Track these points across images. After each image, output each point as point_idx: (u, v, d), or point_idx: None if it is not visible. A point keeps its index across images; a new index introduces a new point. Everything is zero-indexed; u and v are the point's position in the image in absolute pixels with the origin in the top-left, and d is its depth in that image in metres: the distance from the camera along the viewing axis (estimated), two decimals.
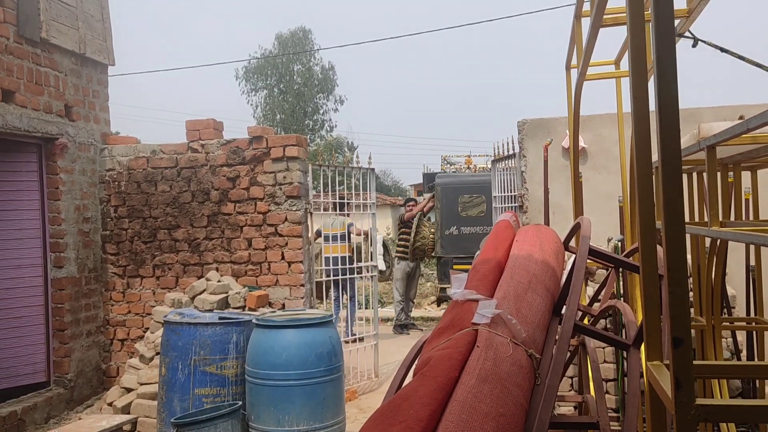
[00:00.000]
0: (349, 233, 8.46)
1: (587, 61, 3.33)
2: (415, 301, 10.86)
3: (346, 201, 7.56)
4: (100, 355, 7.23)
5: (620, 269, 3.93)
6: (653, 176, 1.49)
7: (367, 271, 7.74)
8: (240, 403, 4.90)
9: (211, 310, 6.33)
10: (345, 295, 8.44)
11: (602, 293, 3.99)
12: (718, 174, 2.76)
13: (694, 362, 1.40)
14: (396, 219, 11.18)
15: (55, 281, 6.66)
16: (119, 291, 7.30)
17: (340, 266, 7.65)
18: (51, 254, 6.68)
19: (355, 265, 7.63)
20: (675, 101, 1.21)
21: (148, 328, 7.06)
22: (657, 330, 1.53)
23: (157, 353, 6.18)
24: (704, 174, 3.63)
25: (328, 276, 7.62)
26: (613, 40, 4.57)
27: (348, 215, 8.56)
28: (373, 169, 7.78)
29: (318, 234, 8.49)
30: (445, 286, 11.13)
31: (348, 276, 7.65)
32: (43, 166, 6.68)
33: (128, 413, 5.93)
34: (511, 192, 7.37)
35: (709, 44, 3.06)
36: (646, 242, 1.51)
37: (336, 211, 7.63)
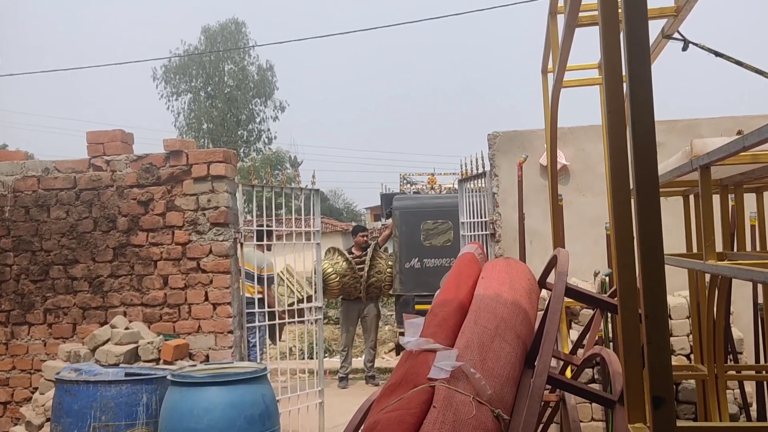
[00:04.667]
0: (269, 283, 8.22)
1: (564, 64, 3.41)
2: (376, 350, 10.79)
3: (266, 229, 7.26)
4: None
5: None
6: (631, 203, 1.53)
7: (310, 313, 7.69)
8: None
9: (116, 365, 6.19)
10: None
11: (587, 337, 4.04)
12: (717, 197, 2.85)
13: (690, 424, 1.42)
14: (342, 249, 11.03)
15: None
16: (1, 342, 7.08)
17: (257, 308, 7.38)
18: None
19: (260, 309, 7.41)
20: (649, 116, 1.25)
21: (36, 388, 6.86)
22: (639, 385, 1.56)
23: (48, 419, 6.00)
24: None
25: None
26: (596, 40, 4.70)
27: (269, 248, 8.32)
28: (317, 190, 7.77)
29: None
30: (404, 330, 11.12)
31: (258, 323, 7.40)
32: None
33: None
34: (481, 217, 7.44)
35: (701, 47, 3.17)
36: (624, 280, 1.54)
37: (256, 240, 7.36)
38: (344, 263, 9.85)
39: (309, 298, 8.33)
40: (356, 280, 9.90)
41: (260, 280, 7.82)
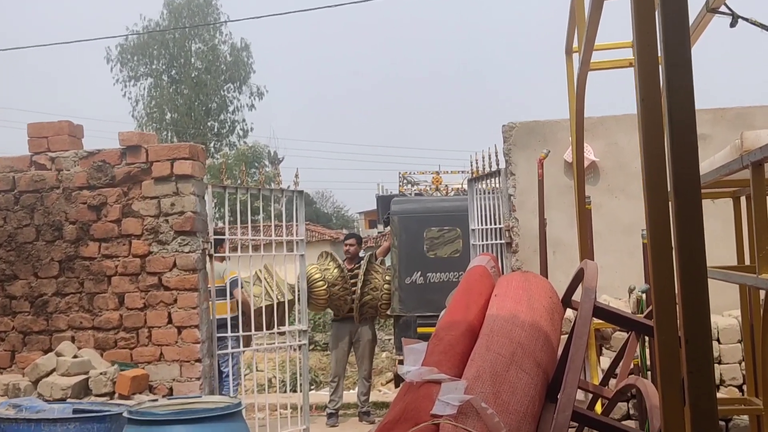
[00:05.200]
0: (231, 289, 8.20)
1: (591, 43, 3.42)
2: (371, 380, 10.76)
3: (210, 239, 7.15)
4: None
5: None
6: (669, 207, 1.53)
7: (292, 337, 7.69)
8: None
9: (63, 399, 6.17)
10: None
11: (620, 364, 4.04)
12: None
13: None
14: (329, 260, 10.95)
15: None
16: None
17: (229, 333, 7.35)
18: None
19: (239, 332, 7.38)
20: (689, 104, 1.26)
21: None
22: (679, 422, 1.56)
23: None
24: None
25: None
26: (629, 13, 4.71)
27: (224, 260, 8.26)
28: (301, 192, 7.78)
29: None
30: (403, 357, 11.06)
31: (230, 350, 7.37)
32: None
33: None
34: (495, 224, 7.45)
35: (754, 23, 3.18)
36: (661, 297, 1.55)
37: (228, 252, 7.33)
38: (336, 270, 9.70)
39: (290, 305, 8.24)
40: (347, 292, 9.75)
41: (223, 292, 7.84)
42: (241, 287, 7.94)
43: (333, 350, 10.19)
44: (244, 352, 7.67)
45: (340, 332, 10.08)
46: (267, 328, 7.97)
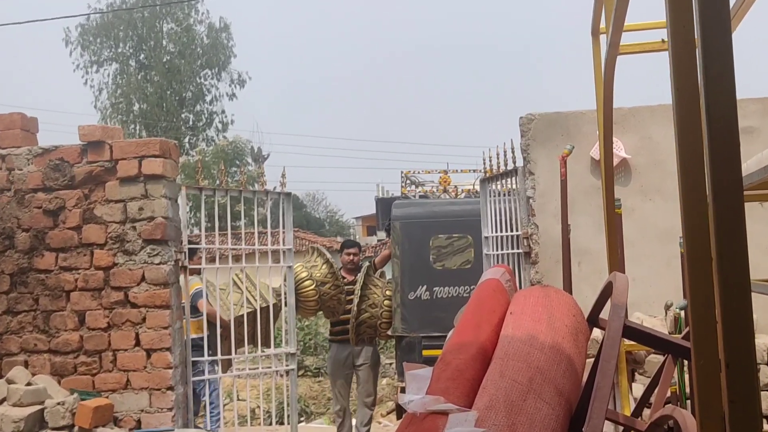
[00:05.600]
0: (193, 303, 8.19)
1: (620, 23, 3.43)
2: (374, 408, 10.74)
3: (184, 248, 7.12)
4: None
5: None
6: (708, 212, 1.53)
7: (279, 361, 7.68)
8: None
9: None
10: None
11: (655, 392, 4.04)
12: None
13: None
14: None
15: None
16: None
17: (206, 357, 7.35)
18: None
19: (210, 356, 7.39)
20: (729, 94, 1.26)
21: None
22: None
23: None
24: None
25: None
26: None
27: (199, 273, 8.25)
28: (289, 194, 7.79)
29: None
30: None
31: (207, 375, 7.39)
32: None
33: None
34: (511, 230, 7.45)
35: None
36: (698, 315, 1.55)
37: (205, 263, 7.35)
38: (324, 267, 9.55)
39: (277, 310, 8.20)
40: (339, 291, 9.64)
41: (194, 309, 7.83)
42: (205, 298, 7.95)
43: (332, 376, 10.15)
44: (220, 378, 7.65)
45: (340, 354, 10.05)
46: (251, 341, 7.97)
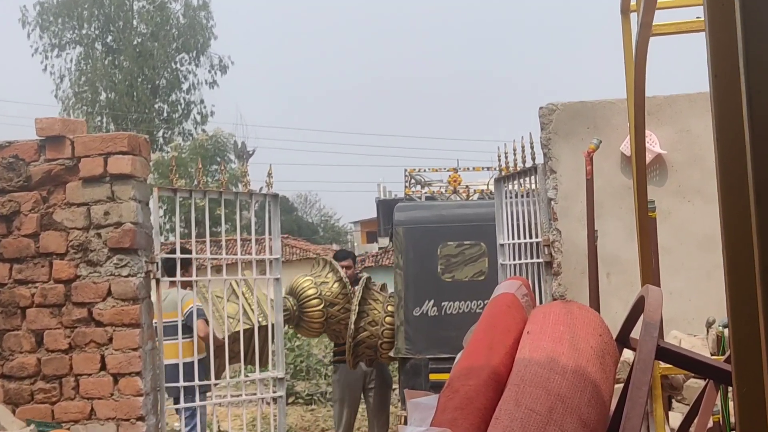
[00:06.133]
0: (189, 323, 8.24)
1: (652, 0, 3.42)
2: None
3: (156, 258, 7.12)
4: None
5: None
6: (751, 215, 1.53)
7: (265, 387, 7.67)
8: None
9: None
10: None
11: (695, 422, 4.04)
12: None
13: None
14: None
15: None
16: None
17: (181, 383, 7.41)
18: None
19: (211, 380, 7.46)
20: None
21: None
22: None
23: None
24: None
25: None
26: None
27: (190, 286, 8.31)
28: (276, 195, 7.78)
29: None
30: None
31: (182, 404, 7.42)
32: None
33: None
34: (530, 237, 7.45)
35: None
36: (740, 335, 1.54)
37: (171, 275, 7.37)
38: (336, 285, 9.58)
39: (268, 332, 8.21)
40: (348, 314, 9.66)
41: (184, 328, 7.83)
42: (202, 317, 7.99)
43: (339, 401, 10.18)
44: (199, 406, 7.65)
45: (352, 376, 10.06)
46: (246, 360, 7.97)
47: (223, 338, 7.66)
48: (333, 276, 9.52)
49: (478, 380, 2.77)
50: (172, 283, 7.83)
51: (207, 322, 8.18)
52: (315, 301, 9.24)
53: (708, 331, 6.16)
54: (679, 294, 6.83)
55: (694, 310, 6.66)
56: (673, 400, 6.26)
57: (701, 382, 5.63)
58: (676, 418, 5.93)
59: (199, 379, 7.46)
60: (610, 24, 5.21)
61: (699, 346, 6.13)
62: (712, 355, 5.64)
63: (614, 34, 5.18)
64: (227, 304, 7.81)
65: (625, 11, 4.94)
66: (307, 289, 9.10)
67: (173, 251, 7.47)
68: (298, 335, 18.32)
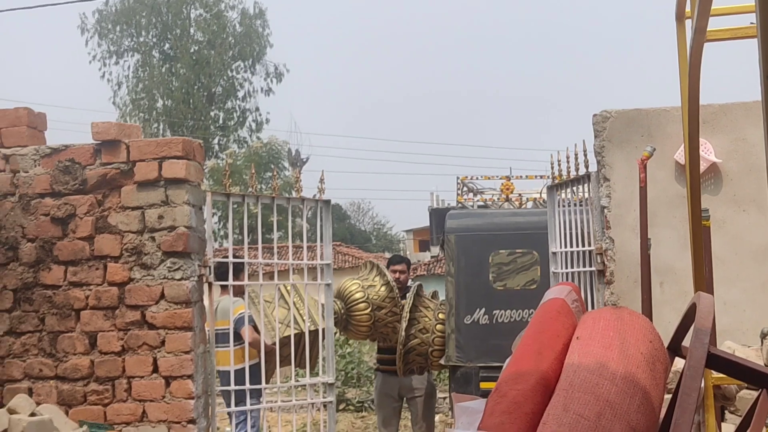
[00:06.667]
0: (236, 329, 8.30)
1: (707, 5, 3.39)
2: None
3: (208, 262, 7.13)
4: None
5: None
6: None
7: (315, 393, 7.67)
8: None
9: None
10: None
11: None
12: None
13: None
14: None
15: None
16: None
17: (233, 386, 7.43)
18: None
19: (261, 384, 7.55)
20: None
21: None
22: None
23: None
24: None
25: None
26: None
27: (240, 294, 8.39)
28: (328, 201, 7.80)
29: None
30: None
31: (233, 408, 7.50)
32: None
33: None
34: (583, 245, 7.40)
35: None
36: None
37: (219, 280, 7.42)
38: (383, 289, 9.55)
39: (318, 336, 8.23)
40: (396, 318, 9.63)
41: (235, 335, 7.89)
42: (250, 324, 8.06)
43: (379, 408, 10.18)
44: (251, 410, 7.68)
45: (387, 384, 10.06)
46: (297, 364, 8.01)
47: (273, 343, 7.68)
48: (380, 279, 9.51)
49: (527, 385, 2.76)
50: (224, 290, 7.88)
51: (256, 328, 8.25)
52: (362, 305, 9.24)
53: (762, 342, 6.09)
54: (734, 305, 6.76)
55: (749, 321, 6.60)
56: (726, 411, 6.19)
57: (755, 393, 5.57)
58: (728, 429, 5.87)
59: (251, 384, 7.51)
60: (666, 30, 5.18)
61: (753, 356, 6.05)
62: (766, 365, 5.57)
63: (670, 40, 5.16)
64: (277, 309, 7.81)
65: (680, 17, 4.91)
66: (355, 292, 9.12)
67: (226, 258, 7.51)
68: (349, 342, 18.42)
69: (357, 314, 9.16)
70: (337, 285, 8.99)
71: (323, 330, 7.89)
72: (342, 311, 9.08)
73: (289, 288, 8.09)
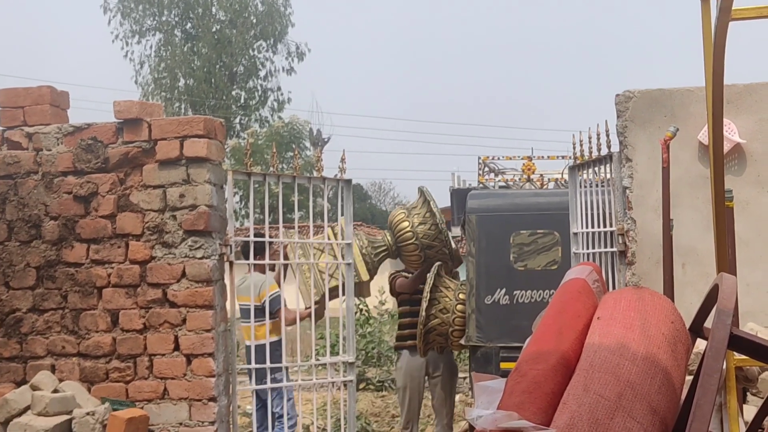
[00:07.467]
0: (271, 309, 8.47)
1: None
2: (452, 427, 10.74)
3: (229, 241, 7.15)
4: None
5: None
6: None
7: (335, 372, 7.69)
8: None
9: None
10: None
11: None
12: None
13: None
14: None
15: None
16: None
17: (268, 364, 7.47)
18: None
19: (284, 360, 7.62)
20: None
21: None
22: None
23: None
24: None
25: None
26: None
27: (269, 269, 8.51)
28: (349, 181, 7.79)
29: None
30: None
31: (279, 382, 7.61)
32: None
33: None
34: (605, 226, 7.38)
35: None
36: None
37: (248, 259, 7.47)
38: (432, 228, 9.72)
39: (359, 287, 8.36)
40: (446, 256, 9.96)
41: (262, 311, 8.00)
42: (281, 305, 8.17)
43: (402, 387, 10.18)
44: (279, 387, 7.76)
45: (412, 362, 10.07)
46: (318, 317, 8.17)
47: (317, 302, 7.88)
48: (429, 215, 9.60)
49: (547, 365, 2.76)
50: (255, 268, 7.94)
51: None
52: (408, 235, 9.46)
53: None
54: (757, 287, 6.73)
55: None
56: (748, 393, 6.17)
57: None
58: (750, 411, 5.85)
59: (277, 361, 7.58)
60: (691, 10, 5.14)
61: None
62: None
63: (695, 20, 5.12)
64: (314, 269, 8.00)
65: None
66: (401, 222, 9.40)
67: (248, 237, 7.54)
68: (370, 321, 18.50)
69: (405, 245, 9.38)
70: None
71: (346, 307, 7.93)
72: (391, 242, 9.27)
73: (311, 267, 8.19)
